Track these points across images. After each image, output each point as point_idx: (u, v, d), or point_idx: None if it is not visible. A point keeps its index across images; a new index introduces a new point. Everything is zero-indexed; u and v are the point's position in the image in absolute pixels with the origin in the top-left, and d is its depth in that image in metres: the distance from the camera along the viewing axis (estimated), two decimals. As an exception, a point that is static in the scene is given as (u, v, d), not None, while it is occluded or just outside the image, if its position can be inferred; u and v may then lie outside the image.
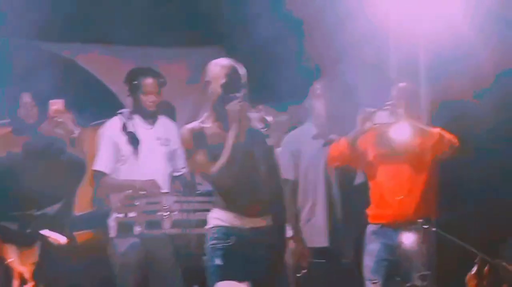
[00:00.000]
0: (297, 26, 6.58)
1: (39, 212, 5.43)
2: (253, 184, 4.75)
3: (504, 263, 5.10)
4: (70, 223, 5.73)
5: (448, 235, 5.48)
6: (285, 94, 6.54)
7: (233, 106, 4.67)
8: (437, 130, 5.83)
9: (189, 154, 4.82)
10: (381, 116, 5.76)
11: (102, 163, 5.98)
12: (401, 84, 5.86)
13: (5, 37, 6.79)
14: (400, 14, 6.30)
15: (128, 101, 6.24)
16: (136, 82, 6.03)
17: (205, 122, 4.81)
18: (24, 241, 5.47)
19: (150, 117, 6.10)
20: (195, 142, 4.74)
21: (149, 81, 6.05)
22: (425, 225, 5.58)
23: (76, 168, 5.56)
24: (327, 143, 6.18)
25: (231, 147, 4.66)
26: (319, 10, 6.42)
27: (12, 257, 5.40)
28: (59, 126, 5.66)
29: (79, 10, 6.58)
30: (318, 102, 6.20)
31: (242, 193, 4.73)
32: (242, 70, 4.81)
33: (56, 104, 5.93)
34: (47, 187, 5.29)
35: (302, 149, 6.14)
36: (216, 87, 4.76)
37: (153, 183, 5.90)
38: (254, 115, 4.79)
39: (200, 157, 4.73)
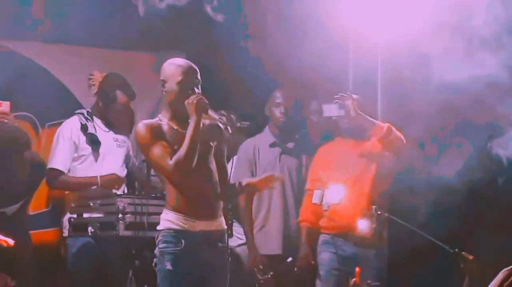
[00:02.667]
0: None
1: None
2: (207, 182, 4.80)
3: (463, 253, 5.13)
4: (26, 222, 5.67)
5: (400, 221, 5.50)
6: (245, 102, 6.59)
7: (192, 100, 4.72)
8: (386, 124, 5.82)
9: (145, 149, 4.81)
10: (330, 109, 5.80)
11: (59, 161, 5.94)
12: (355, 96, 5.86)
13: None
14: (359, 28, 6.34)
15: (90, 101, 6.18)
16: (112, 94, 6.03)
17: (162, 120, 4.85)
18: None
19: (109, 122, 6.09)
20: (152, 137, 4.76)
21: (124, 99, 6.06)
22: (379, 211, 5.59)
23: (38, 168, 5.49)
24: (285, 151, 6.25)
25: (190, 139, 4.69)
26: (278, 23, 6.45)
27: None
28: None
29: (40, 8, 6.54)
30: (277, 111, 6.25)
31: (196, 191, 4.76)
32: (197, 68, 4.86)
33: (3, 105, 5.91)
34: (8, 185, 5.22)
35: (259, 156, 6.18)
36: (172, 85, 4.80)
37: (115, 177, 5.88)
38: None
39: (157, 150, 4.75)
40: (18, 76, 6.81)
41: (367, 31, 6.33)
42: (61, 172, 5.93)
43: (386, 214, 5.59)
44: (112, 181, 5.90)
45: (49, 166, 5.88)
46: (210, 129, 4.88)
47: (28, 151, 5.27)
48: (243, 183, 4.97)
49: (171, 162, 4.69)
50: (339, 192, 5.80)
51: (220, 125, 4.93)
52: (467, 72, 5.17)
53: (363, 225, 5.63)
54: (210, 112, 4.82)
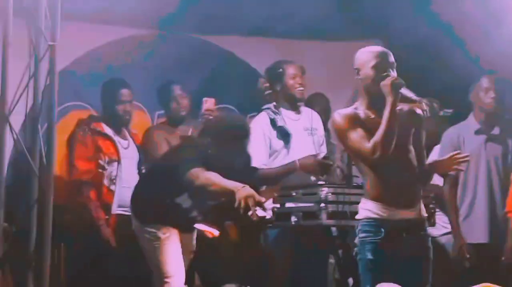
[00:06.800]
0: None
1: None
2: (406, 170, 4.71)
3: None
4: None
5: None
6: (447, 88, 6.47)
7: (387, 81, 4.64)
8: None
9: (342, 135, 4.76)
10: None
11: (257, 159, 5.84)
12: None
13: (165, 31, 6.95)
14: None
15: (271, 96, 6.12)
16: (280, 69, 6.01)
17: (359, 108, 4.79)
18: (185, 226, 5.54)
19: (295, 107, 6.04)
20: (350, 123, 4.72)
21: (292, 65, 6.03)
22: None
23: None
24: (490, 138, 6.09)
25: (387, 120, 4.62)
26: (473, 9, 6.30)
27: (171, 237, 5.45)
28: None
29: (237, 3, 6.68)
30: (486, 96, 6.10)
31: (394, 179, 4.67)
32: (389, 52, 4.77)
33: (208, 102, 6.04)
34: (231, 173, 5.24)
35: (464, 144, 6.04)
36: (367, 71, 4.73)
37: (313, 159, 5.84)
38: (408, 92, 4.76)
39: (355, 135, 4.70)
40: (220, 69, 7.03)
41: None
42: (257, 170, 5.91)
43: None
44: (310, 163, 5.82)
45: None
46: (408, 116, 4.78)
47: (247, 140, 5.35)
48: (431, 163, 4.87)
49: (369, 145, 4.63)
50: None
51: (419, 111, 4.83)
52: None
53: None
54: (406, 91, 4.71)
